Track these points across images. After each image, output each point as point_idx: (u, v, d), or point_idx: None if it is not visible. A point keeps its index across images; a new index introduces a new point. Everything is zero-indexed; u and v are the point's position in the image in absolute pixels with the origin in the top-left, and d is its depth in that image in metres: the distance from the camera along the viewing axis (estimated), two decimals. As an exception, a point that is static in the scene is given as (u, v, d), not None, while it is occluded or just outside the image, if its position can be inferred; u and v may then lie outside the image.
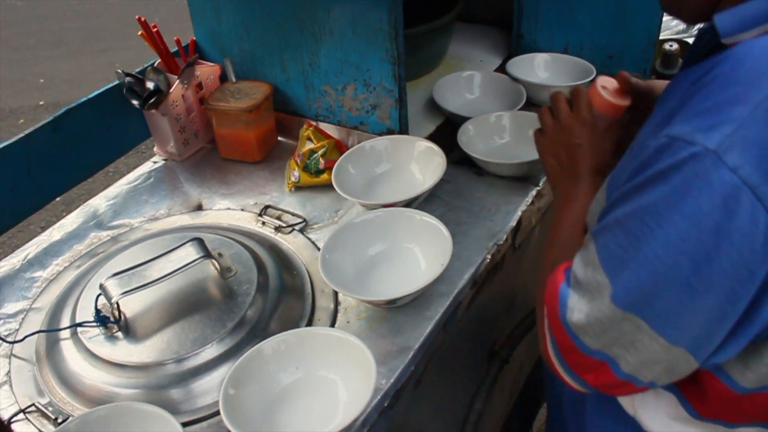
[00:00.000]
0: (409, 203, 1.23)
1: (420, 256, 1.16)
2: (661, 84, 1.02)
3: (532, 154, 1.33)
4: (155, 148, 1.56)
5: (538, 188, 1.33)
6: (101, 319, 1.07)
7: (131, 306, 1.10)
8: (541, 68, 1.66)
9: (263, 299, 1.11)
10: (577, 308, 0.73)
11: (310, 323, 1.11)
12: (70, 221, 1.39)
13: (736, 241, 0.60)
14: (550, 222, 0.96)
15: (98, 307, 1.08)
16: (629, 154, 0.76)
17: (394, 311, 1.11)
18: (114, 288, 1.06)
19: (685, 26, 2.01)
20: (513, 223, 1.26)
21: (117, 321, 1.07)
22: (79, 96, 1.39)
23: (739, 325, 0.66)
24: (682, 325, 0.66)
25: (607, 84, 1.00)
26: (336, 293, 1.15)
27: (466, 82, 1.63)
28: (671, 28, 2.03)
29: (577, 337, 0.74)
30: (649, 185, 0.64)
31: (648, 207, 0.64)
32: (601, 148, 0.97)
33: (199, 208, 1.39)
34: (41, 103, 4.53)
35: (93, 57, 5.26)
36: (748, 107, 0.59)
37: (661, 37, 1.63)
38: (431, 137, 1.47)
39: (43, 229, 1.43)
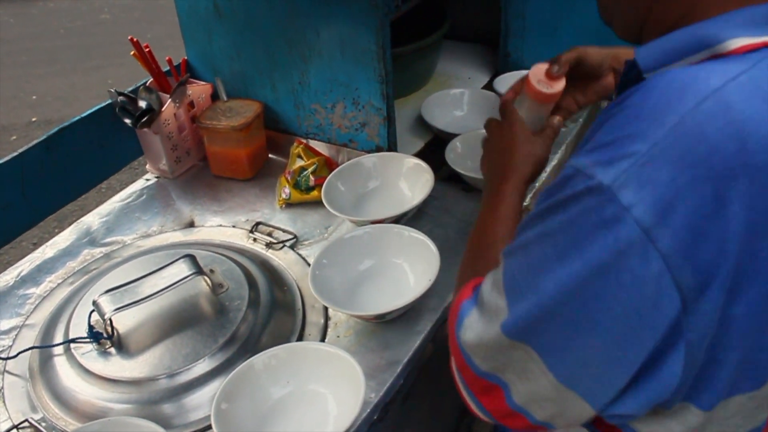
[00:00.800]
0: (397, 219, 1.25)
1: (408, 271, 1.18)
2: (590, 52, 1.09)
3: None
4: (147, 166, 1.58)
5: (525, 204, 1.35)
6: (94, 335, 1.09)
7: (124, 322, 1.11)
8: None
9: (254, 315, 1.13)
10: (471, 327, 0.72)
11: (300, 338, 1.13)
12: (63, 238, 1.41)
13: (626, 283, 0.57)
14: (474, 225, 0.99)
15: (91, 324, 1.10)
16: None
17: (384, 326, 1.12)
18: (107, 304, 1.08)
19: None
20: (500, 239, 1.27)
21: (110, 337, 1.09)
22: (71, 113, 1.41)
23: (638, 379, 0.63)
24: (569, 362, 0.64)
25: (538, 72, 1.04)
26: (326, 308, 1.17)
27: (454, 99, 1.65)
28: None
29: (468, 357, 0.72)
30: (551, 212, 0.63)
31: (547, 235, 0.63)
32: (529, 153, 0.99)
33: (191, 224, 1.41)
34: (34, 119, 4.55)
35: (85, 74, 5.28)
36: (647, 144, 0.56)
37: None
38: (420, 154, 1.49)
39: (36, 245, 1.44)
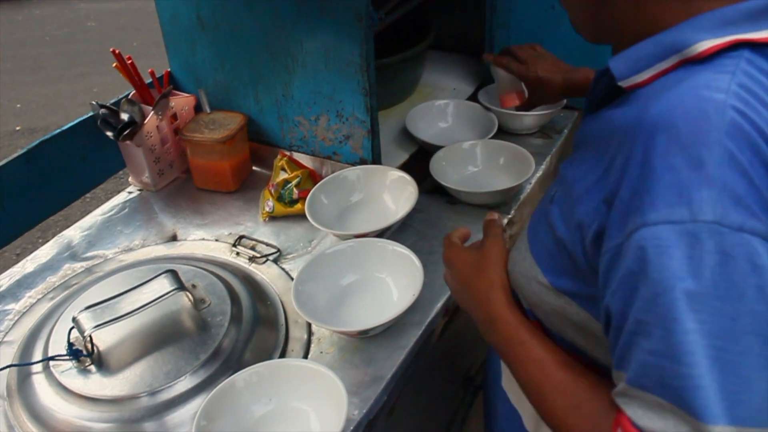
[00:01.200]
0: (381, 233, 1.24)
1: (392, 285, 1.17)
2: (551, 82, 1.41)
3: (503, 182, 1.37)
4: (130, 178, 1.56)
5: (510, 216, 1.35)
6: (74, 353, 1.07)
7: (104, 339, 1.10)
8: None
9: (237, 330, 1.11)
10: None
11: (283, 354, 1.12)
12: (44, 252, 1.39)
13: None
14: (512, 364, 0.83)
15: (71, 341, 1.08)
16: (564, 196, 0.77)
17: (367, 341, 1.12)
18: (87, 321, 1.06)
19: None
20: (484, 252, 1.27)
21: (90, 354, 1.07)
22: (56, 121, 1.40)
23: None
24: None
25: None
26: (309, 323, 1.16)
27: (439, 111, 1.65)
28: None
29: None
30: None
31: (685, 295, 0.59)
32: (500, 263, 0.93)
33: (174, 238, 1.40)
34: (18, 128, 4.52)
35: (71, 82, 5.25)
36: (710, 166, 0.59)
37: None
38: (404, 166, 1.49)
39: (19, 256, 1.43)
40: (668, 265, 0.58)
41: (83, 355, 1.07)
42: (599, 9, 0.75)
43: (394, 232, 1.28)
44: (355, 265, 1.19)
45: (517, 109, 1.54)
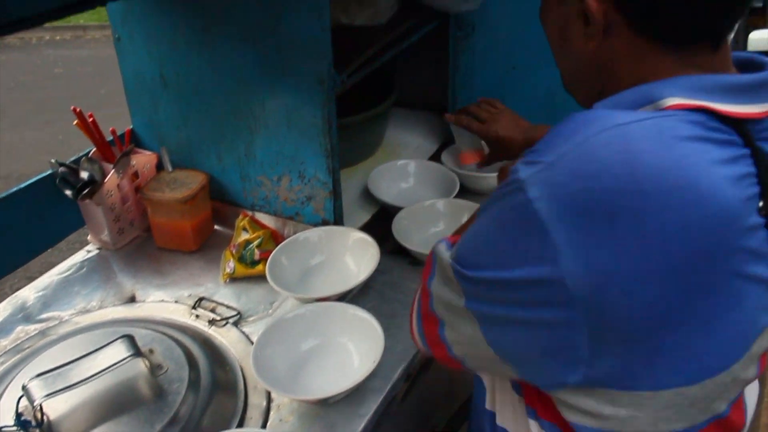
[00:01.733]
0: (343, 296, 1.23)
1: (353, 351, 1.16)
2: (512, 140, 1.43)
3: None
4: (89, 237, 1.54)
5: (472, 277, 1.35)
6: (22, 424, 1.03)
7: (56, 407, 1.06)
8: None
9: (194, 397, 1.09)
10: (438, 283, 0.82)
11: (242, 422, 1.09)
12: (-3, 314, 1.35)
13: (510, 235, 0.70)
14: None
15: (20, 411, 1.05)
16: None
17: (328, 408, 1.10)
18: (37, 390, 1.03)
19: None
20: (447, 314, 1.27)
21: (39, 425, 1.03)
22: (20, 168, 1.38)
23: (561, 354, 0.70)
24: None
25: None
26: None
27: (401, 170, 1.66)
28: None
29: (431, 294, 0.83)
30: (498, 189, 0.74)
31: (489, 205, 0.75)
32: None
33: (133, 299, 1.38)
34: (-20, 176, 4.46)
35: (36, 129, 5.21)
36: (554, 155, 0.67)
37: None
38: (366, 226, 1.49)
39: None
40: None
41: (32, 426, 1.03)
42: (596, 74, 0.81)
43: (356, 295, 1.28)
44: (316, 329, 1.18)
45: (478, 166, 1.56)
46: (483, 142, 1.53)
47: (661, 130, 0.67)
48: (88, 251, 1.52)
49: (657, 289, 0.65)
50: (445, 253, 0.80)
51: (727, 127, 0.70)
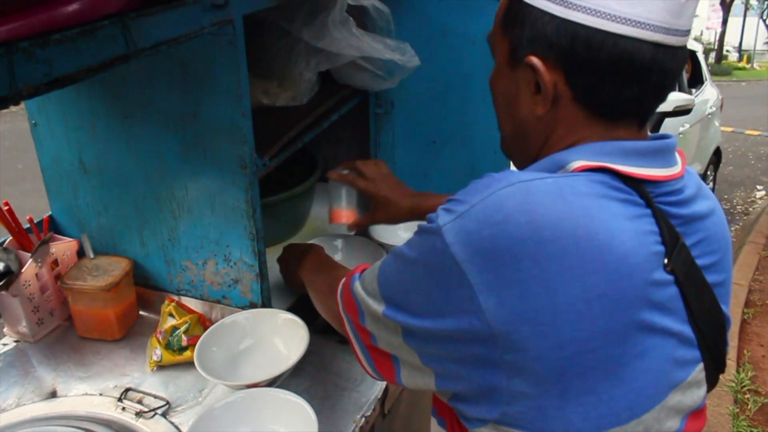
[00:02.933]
0: (274, 380, 1.21)
1: (286, 438, 1.14)
2: (398, 203, 1.46)
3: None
4: (5, 329, 1.48)
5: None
6: None
7: None
8: (401, 229, 1.72)
9: (121, 498, 1.05)
10: (361, 292, 0.90)
11: None
12: None
13: (434, 277, 0.76)
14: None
15: None
16: None
17: (261, 499, 1.07)
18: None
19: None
20: (380, 392, 1.27)
21: None
22: None
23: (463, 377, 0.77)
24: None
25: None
26: (199, 484, 1.10)
27: (329, 247, 1.65)
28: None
29: (358, 300, 0.91)
30: (418, 231, 0.81)
31: (405, 244, 0.83)
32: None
33: (54, 394, 1.32)
34: None
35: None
36: (466, 206, 0.75)
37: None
38: (295, 306, 1.48)
39: None
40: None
41: None
42: (536, 138, 0.89)
43: (287, 378, 1.26)
44: (248, 417, 1.15)
45: (350, 227, 1.54)
46: (357, 203, 1.53)
47: (560, 186, 0.75)
48: (4, 344, 1.46)
49: (566, 331, 0.71)
50: (367, 297, 0.89)
51: (628, 188, 0.78)
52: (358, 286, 0.92)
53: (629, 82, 0.79)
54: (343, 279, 0.99)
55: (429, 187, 1.73)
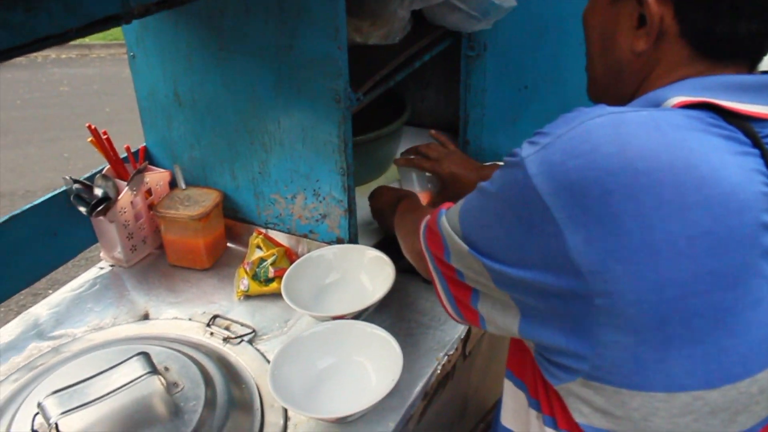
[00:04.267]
0: (359, 314, 1.23)
1: (370, 369, 1.15)
2: (465, 177, 1.44)
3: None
4: (101, 254, 1.54)
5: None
6: (38, 442, 1.03)
7: (71, 425, 1.05)
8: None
9: (211, 416, 1.08)
10: (447, 226, 0.87)
11: (258, 441, 1.09)
12: (8, 331, 1.35)
13: (516, 212, 0.73)
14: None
15: (35, 428, 1.04)
16: None
17: (345, 427, 1.09)
18: (53, 407, 1.02)
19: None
20: (463, 332, 1.26)
21: (55, 442, 1.03)
22: (24, 185, 1.38)
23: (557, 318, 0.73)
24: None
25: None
26: (285, 408, 1.13)
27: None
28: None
29: (444, 237, 0.88)
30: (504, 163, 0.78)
31: (488, 180, 0.79)
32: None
33: (146, 317, 1.37)
34: (-17, 192, 4.46)
35: (41, 147, 5.22)
36: (551, 137, 0.70)
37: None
38: (380, 244, 1.48)
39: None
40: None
41: (49, 444, 1.03)
42: (631, 77, 0.84)
43: (371, 313, 1.27)
44: (333, 347, 1.17)
45: None
46: (430, 185, 1.53)
47: (655, 119, 0.70)
48: (101, 268, 1.51)
49: (666, 271, 0.65)
50: (453, 233, 0.85)
51: (731, 126, 0.70)
52: (444, 221, 0.88)
53: (748, 16, 0.73)
54: (428, 216, 0.96)
55: (517, 132, 1.70)
